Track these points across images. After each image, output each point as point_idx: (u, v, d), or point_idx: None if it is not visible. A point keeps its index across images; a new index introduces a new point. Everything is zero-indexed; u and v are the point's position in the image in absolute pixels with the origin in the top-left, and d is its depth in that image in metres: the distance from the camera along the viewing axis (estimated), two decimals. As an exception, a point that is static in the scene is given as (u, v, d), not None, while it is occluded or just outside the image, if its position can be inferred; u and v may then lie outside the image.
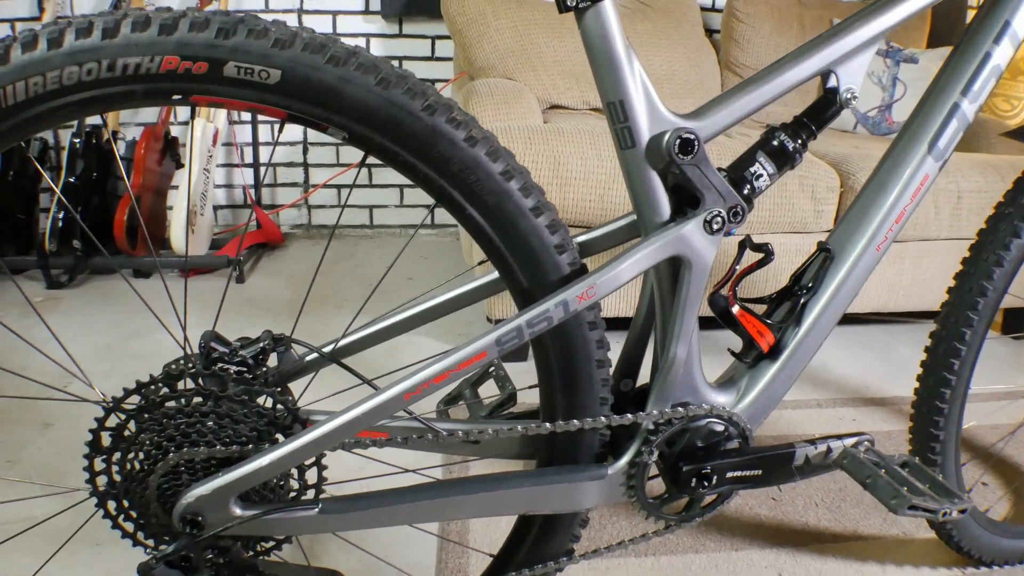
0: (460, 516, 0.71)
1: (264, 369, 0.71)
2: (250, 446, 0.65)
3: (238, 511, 0.63)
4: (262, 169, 2.68)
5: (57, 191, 2.17)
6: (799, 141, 0.72)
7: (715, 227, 0.68)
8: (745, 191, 0.70)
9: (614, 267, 0.65)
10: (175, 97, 0.56)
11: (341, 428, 0.61)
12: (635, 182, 0.68)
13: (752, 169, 0.71)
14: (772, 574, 1.08)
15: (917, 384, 0.98)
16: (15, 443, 1.35)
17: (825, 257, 0.80)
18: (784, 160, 0.72)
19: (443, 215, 2.92)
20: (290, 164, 2.76)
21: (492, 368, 0.93)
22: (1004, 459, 1.41)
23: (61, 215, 2.09)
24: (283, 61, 0.55)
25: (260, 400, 0.67)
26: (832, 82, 0.72)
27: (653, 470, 0.78)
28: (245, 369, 0.69)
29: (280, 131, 0.62)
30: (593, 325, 0.69)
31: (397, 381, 0.62)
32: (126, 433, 0.65)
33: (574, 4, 0.63)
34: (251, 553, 0.71)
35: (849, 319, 2.09)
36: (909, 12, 0.72)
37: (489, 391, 0.92)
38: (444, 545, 1.10)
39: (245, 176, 2.69)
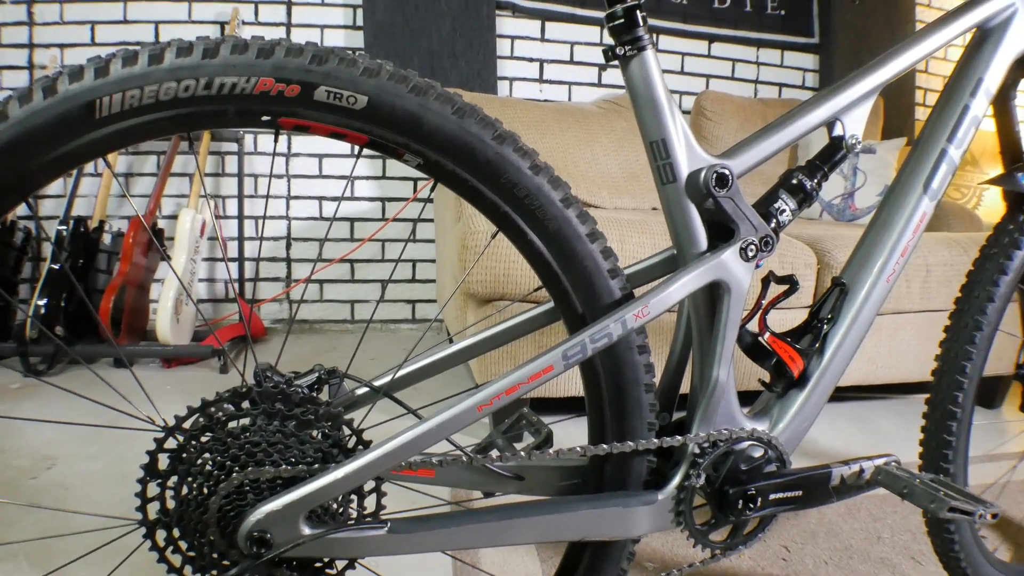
0: (521, 541, 0.71)
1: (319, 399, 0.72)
2: (315, 466, 0.65)
3: (307, 530, 0.63)
4: (246, 264, 2.70)
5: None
6: (815, 180, 0.79)
7: (750, 254, 0.74)
8: (772, 224, 0.77)
9: (664, 289, 0.70)
10: (264, 119, 0.60)
11: (418, 439, 0.62)
12: (675, 214, 0.74)
13: (776, 205, 0.78)
14: (795, 629, 1.07)
15: (926, 407, 1.03)
16: (0, 522, 1.28)
17: (840, 290, 0.86)
18: (803, 197, 0.79)
19: (424, 310, 2.95)
20: (272, 259, 2.79)
21: (522, 419, 0.94)
22: (998, 514, 1.45)
23: (43, 303, 2.07)
24: (370, 88, 0.60)
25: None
26: (838, 130, 0.80)
27: (696, 501, 0.79)
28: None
29: (358, 156, 0.66)
30: (642, 349, 0.73)
31: (469, 394, 0.64)
32: (187, 454, 0.64)
33: (621, 53, 0.70)
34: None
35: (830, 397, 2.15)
36: (900, 68, 0.82)
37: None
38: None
39: (230, 270, 2.71)
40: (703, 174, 0.72)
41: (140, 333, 2.31)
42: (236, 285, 2.65)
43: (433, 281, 2.93)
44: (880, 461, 0.81)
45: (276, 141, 0.64)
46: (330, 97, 0.59)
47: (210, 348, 2.22)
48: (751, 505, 0.77)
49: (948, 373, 1.00)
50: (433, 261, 2.91)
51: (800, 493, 0.79)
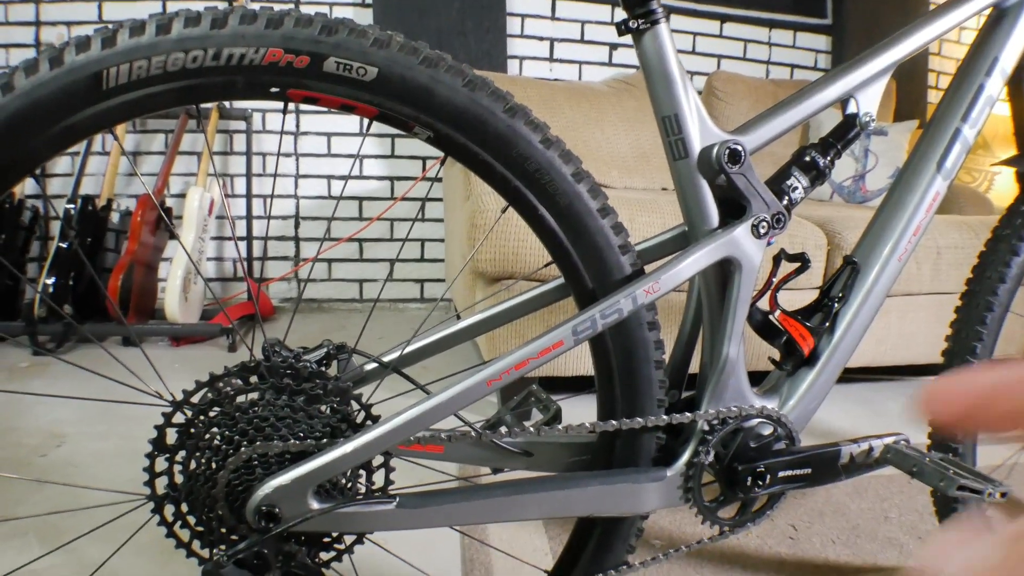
0: (530, 516, 0.72)
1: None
2: (324, 441, 0.65)
3: (315, 504, 0.63)
4: (254, 243, 2.70)
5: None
6: (828, 158, 0.78)
7: (761, 231, 0.73)
8: (784, 202, 0.76)
9: (675, 265, 0.69)
10: (273, 90, 0.59)
11: (426, 414, 0.62)
12: (687, 190, 0.73)
13: (788, 182, 0.77)
14: (802, 607, 1.08)
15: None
16: (9, 499, 1.29)
17: (852, 269, 0.85)
18: (816, 175, 0.78)
19: (432, 289, 2.96)
20: (281, 238, 2.79)
21: (531, 396, 0.94)
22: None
23: (51, 281, 2.07)
24: (380, 59, 0.59)
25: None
26: (852, 108, 0.79)
27: (705, 478, 0.79)
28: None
29: (367, 130, 0.66)
30: (652, 326, 0.72)
31: (478, 369, 0.64)
32: (197, 428, 0.64)
33: (635, 27, 0.69)
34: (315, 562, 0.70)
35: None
36: (916, 46, 0.80)
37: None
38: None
39: (239, 249, 2.72)
40: (715, 150, 0.71)
41: (148, 313, 2.32)
42: (244, 264, 2.65)
43: (442, 260, 2.93)
44: (890, 439, 0.81)
45: (285, 113, 0.64)
46: (340, 68, 0.59)
47: (218, 327, 2.23)
48: (760, 482, 0.77)
49: (958, 354, 0.99)
50: (442, 240, 2.91)
51: (809, 471, 0.79)
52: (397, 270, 2.89)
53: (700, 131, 0.72)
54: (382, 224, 2.85)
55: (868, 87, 0.78)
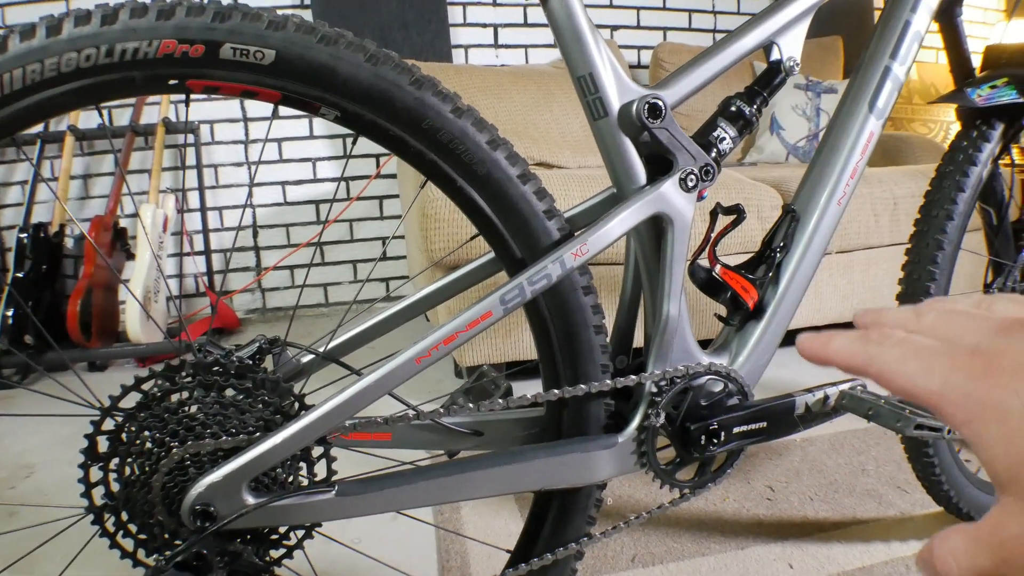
0: (477, 495, 0.70)
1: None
2: (257, 435, 0.63)
3: (251, 499, 0.61)
4: (213, 256, 2.66)
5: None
6: (754, 106, 0.77)
7: (690, 184, 0.72)
8: (712, 154, 0.75)
9: (603, 225, 0.68)
10: (171, 82, 0.58)
11: (356, 397, 0.61)
12: (610, 150, 0.72)
13: (715, 134, 0.76)
14: (782, 565, 1.07)
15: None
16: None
17: (792, 217, 0.84)
18: (743, 124, 0.77)
19: (396, 287, 2.93)
20: (241, 248, 2.75)
21: (482, 376, 0.93)
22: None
23: (10, 312, 2.03)
24: (277, 41, 0.58)
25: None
26: (775, 54, 0.78)
27: (661, 442, 0.78)
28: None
29: (273, 115, 0.64)
30: (587, 290, 0.71)
31: (406, 348, 0.63)
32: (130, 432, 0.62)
33: (540, -14, 0.68)
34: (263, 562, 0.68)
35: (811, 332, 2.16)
36: (835, -13, 0.79)
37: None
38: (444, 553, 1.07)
39: (197, 264, 2.67)
40: (635, 106, 0.70)
41: (112, 334, 2.28)
42: (205, 278, 2.61)
43: (404, 257, 2.90)
44: (845, 386, 0.80)
45: (188, 106, 0.62)
46: (236, 54, 0.57)
47: (183, 343, 2.19)
48: (715, 440, 0.76)
49: (912, 295, 0.99)
50: (402, 237, 2.88)
51: (765, 424, 0.78)
52: (361, 270, 2.86)
53: (618, 88, 0.70)
54: (341, 226, 2.81)
55: (789, 31, 0.78)
